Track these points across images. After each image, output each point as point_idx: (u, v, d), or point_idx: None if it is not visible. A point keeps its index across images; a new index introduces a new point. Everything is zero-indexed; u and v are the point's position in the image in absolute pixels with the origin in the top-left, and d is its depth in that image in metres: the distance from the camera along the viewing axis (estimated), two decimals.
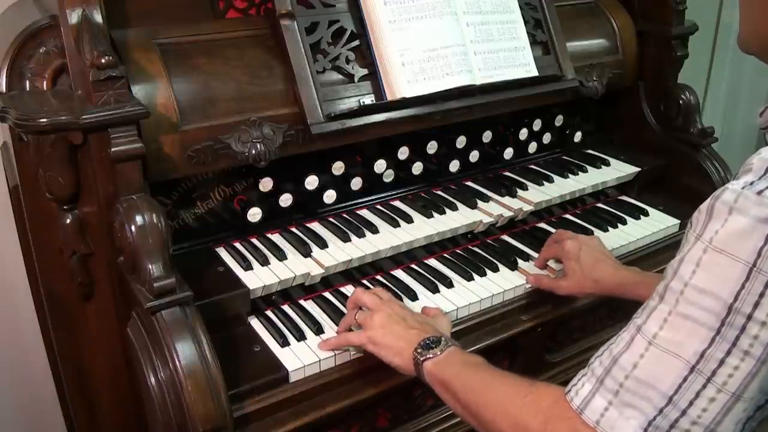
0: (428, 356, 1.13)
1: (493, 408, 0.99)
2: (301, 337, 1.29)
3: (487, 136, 1.78)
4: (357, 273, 1.49)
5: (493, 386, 1.02)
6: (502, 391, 1.00)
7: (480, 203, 1.65)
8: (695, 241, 0.82)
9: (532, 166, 1.88)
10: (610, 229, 1.72)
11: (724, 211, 0.80)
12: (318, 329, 1.31)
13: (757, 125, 0.99)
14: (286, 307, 1.39)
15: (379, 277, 1.50)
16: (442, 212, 1.60)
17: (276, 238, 1.48)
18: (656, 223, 1.78)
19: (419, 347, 1.15)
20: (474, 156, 1.78)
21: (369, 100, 1.46)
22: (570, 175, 1.82)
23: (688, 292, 0.82)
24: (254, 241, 1.47)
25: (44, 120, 1.10)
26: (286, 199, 1.51)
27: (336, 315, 1.36)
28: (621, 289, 1.38)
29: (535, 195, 1.71)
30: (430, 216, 1.58)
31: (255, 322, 1.34)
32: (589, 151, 1.98)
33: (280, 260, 1.39)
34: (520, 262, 1.55)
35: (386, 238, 1.48)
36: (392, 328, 1.20)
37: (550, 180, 1.80)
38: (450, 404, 1.10)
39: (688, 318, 0.81)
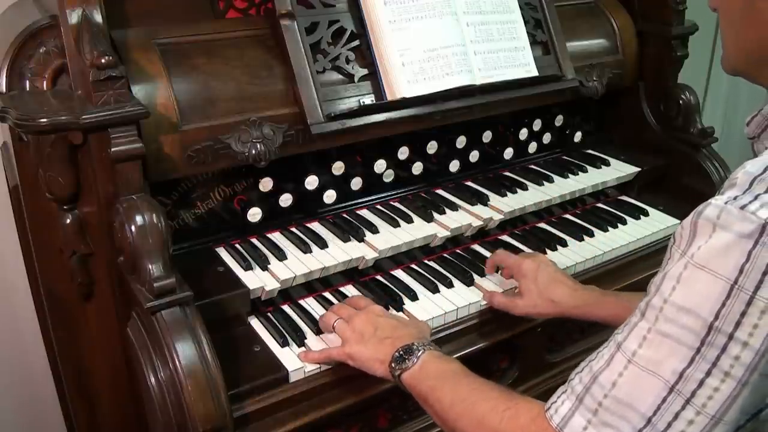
0: (403, 369, 1.11)
1: (472, 423, 0.97)
2: (301, 337, 1.29)
3: (487, 136, 1.78)
4: (357, 273, 1.49)
5: (469, 401, 1.00)
6: (480, 405, 0.98)
7: (480, 203, 1.65)
8: (679, 257, 0.80)
9: (532, 166, 1.88)
10: (610, 229, 1.72)
11: (707, 227, 0.78)
12: (318, 329, 1.31)
13: (745, 135, 0.96)
14: (286, 307, 1.39)
15: (379, 277, 1.50)
16: (442, 212, 1.60)
17: (276, 238, 1.48)
18: (656, 223, 1.78)
19: (393, 361, 1.13)
20: (474, 156, 1.78)
21: (369, 100, 1.45)
22: (570, 175, 1.82)
23: (668, 310, 0.79)
24: (254, 241, 1.47)
25: (44, 120, 1.10)
26: (286, 199, 1.51)
27: None
28: (578, 310, 1.33)
29: (536, 195, 1.72)
30: (430, 216, 1.58)
31: (255, 322, 1.34)
32: (589, 151, 1.98)
33: (280, 260, 1.39)
34: None
35: (386, 238, 1.48)
36: (366, 342, 1.19)
37: (550, 180, 1.80)
38: (430, 415, 1.09)
39: (668, 336, 0.79)
